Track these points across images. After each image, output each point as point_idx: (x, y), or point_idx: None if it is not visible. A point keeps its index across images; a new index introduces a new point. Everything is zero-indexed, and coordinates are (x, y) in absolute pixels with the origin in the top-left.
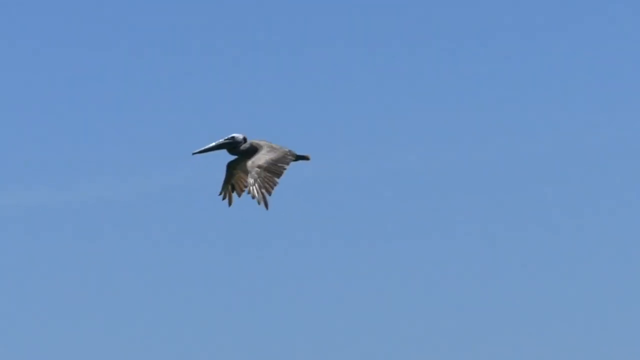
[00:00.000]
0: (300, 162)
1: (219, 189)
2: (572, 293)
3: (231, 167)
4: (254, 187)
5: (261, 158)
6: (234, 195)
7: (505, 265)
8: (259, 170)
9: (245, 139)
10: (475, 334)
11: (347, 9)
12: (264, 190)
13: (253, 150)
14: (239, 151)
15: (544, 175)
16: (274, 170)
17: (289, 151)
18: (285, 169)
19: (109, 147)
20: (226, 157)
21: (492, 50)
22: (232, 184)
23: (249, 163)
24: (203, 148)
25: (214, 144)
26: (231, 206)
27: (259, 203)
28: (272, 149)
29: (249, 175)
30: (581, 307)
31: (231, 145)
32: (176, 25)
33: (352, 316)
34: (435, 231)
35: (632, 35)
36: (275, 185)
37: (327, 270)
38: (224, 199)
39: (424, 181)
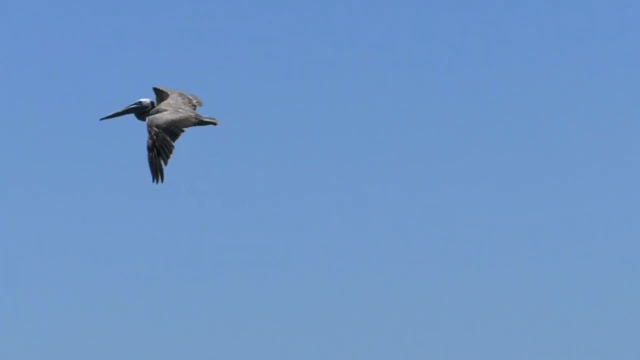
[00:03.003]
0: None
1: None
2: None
3: None
4: (153, 152)
5: (161, 118)
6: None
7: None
8: (157, 130)
9: (153, 103)
10: (474, 333)
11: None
12: (160, 160)
13: (159, 113)
14: (148, 116)
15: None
16: (172, 132)
17: (193, 115)
18: (183, 131)
19: None
20: (134, 122)
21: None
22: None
23: (148, 120)
24: (110, 114)
25: (121, 109)
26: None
27: (154, 179)
28: (175, 111)
29: (147, 131)
30: (580, 307)
31: (139, 110)
32: None
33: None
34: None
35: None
36: (171, 151)
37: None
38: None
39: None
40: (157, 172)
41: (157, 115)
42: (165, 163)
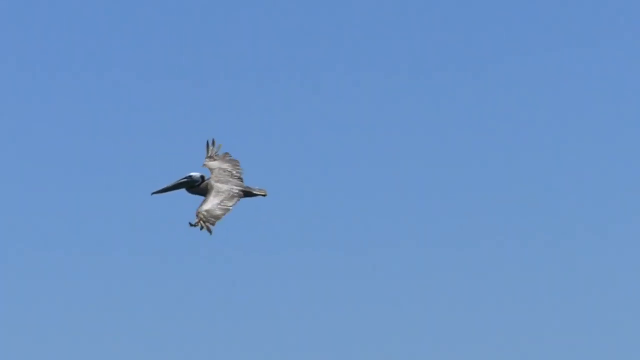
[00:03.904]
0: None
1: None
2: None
3: None
4: (200, 223)
5: (207, 203)
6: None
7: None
8: (205, 214)
9: (202, 177)
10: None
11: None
12: (208, 224)
13: (207, 190)
14: (198, 190)
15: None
16: (217, 214)
17: (238, 190)
18: (229, 209)
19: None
20: (186, 195)
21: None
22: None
23: (198, 208)
24: (161, 188)
25: (171, 183)
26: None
27: (201, 229)
28: (218, 192)
29: (196, 215)
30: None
31: (189, 184)
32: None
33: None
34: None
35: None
36: (219, 219)
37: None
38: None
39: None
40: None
41: (204, 203)
42: (211, 231)
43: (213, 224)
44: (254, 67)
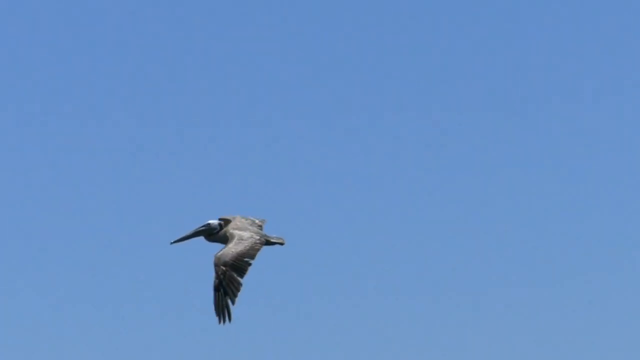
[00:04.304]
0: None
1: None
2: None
3: None
4: (220, 292)
5: (227, 253)
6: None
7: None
8: (224, 269)
9: (221, 225)
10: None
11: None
12: (228, 298)
13: (226, 238)
14: (216, 238)
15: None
16: (239, 267)
17: (259, 238)
18: (250, 264)
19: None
20: (204, 243)
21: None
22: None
23: (216, 257)
24: (180, 237)
25: (190, 232)
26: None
27: (220, 320)
28: (240, 240)
29: (215, 271)
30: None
31: (207, 232)
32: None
33: None
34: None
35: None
36: (239, 289)
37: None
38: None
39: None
40: (222, 313)
41: (224, 250)
42: (233, 302)
43: (235, 295)
44: (271, 118)
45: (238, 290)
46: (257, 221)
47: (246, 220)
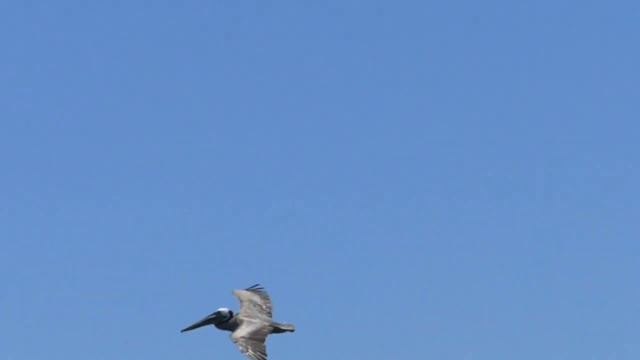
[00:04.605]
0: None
1: None
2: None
3: None
4: (248, 351)
5: (241, 331)
6: None
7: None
8: (243, 339)
9: (231, 313)
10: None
11: None
12: (259, 353)
13: (236, 325)
14: (226, 326)
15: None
16: (256, 338)
17: (269, 324)
18: (266, 336)
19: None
20: (215, 331)
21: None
22: None
23: (232, 336)
24: (191, 325)
25: (200, 320)
26: None
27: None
28: (250, 323)
29: (237, 345)
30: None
31: (217, 320)
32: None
33: None
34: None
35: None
36: (264, 349)
37: None
38: None
39: None
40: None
41: (237, 331)
42: (265, 354)
43: (264, 354)
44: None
45: (264, 351)
46: (264, 306)
47: (254, 305)
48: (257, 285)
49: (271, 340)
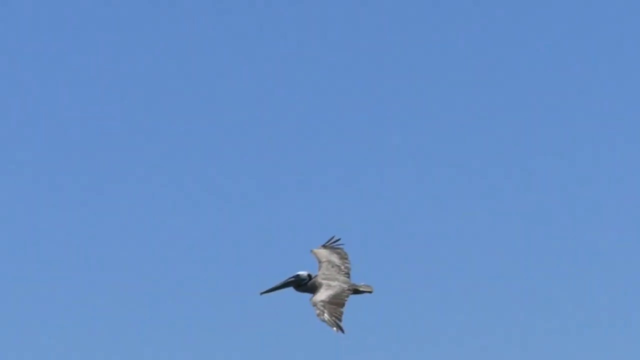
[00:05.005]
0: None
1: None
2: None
3: None
4: (324, 315)
5: (321, 295)
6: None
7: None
8: (322, 303)
9: (310, 276)
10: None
11: None
12: (334, 318)
13: (315, 288)
14: (305, 288)
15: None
16: (335, 302)
17: (348, 287)
18: (346, 300)
19: None
20: (294, 293)
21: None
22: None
23: (312, 300)
24: (269, 288)
25: (279, 283)
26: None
27: (333, 328)
28: (329, 287)
29: (315, 308)
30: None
31: (296, 283)
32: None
33: None
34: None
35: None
36: (341, 314)
37: None
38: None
39: None
40: (337, 325)
41: (317, 294)
42: (340, 320)
43: (340, 319)
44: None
45: (340, 317)
46: (342, 267)
47: (333, 266)
48: (332, 237)
49: (350, 301)
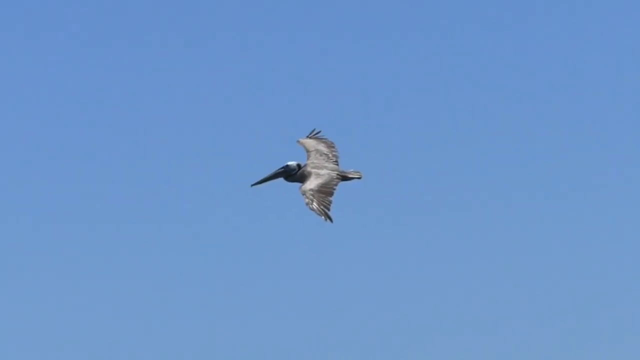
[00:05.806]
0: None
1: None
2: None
3: None
4: (313, 204)
5: (310, 184)
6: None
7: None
8: (311, 192)
9: (299, 166)
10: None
11: None
12: (322, 207)
13: (305, 177)
14: (295, 178)
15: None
16: (324, 191)
17: (336, 174)
18: (335, 188)
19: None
20: (284, 184)
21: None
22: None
23: (301, 189)
24: (260, 179)
25: (269, 174)
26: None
27: (322, 217)
28: (318, 175)
29: (304, 197)
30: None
31: (286, 173)
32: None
33: None
34: None
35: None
36: (330, 203)
37: None
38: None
39: None
40: (325, 214)
41: (306, 183)
42: (329, 209)
43: (328, 208)
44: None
45: (329, 206)
46: (330, 155)
47: (321, 155)
48: (314, 130)
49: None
